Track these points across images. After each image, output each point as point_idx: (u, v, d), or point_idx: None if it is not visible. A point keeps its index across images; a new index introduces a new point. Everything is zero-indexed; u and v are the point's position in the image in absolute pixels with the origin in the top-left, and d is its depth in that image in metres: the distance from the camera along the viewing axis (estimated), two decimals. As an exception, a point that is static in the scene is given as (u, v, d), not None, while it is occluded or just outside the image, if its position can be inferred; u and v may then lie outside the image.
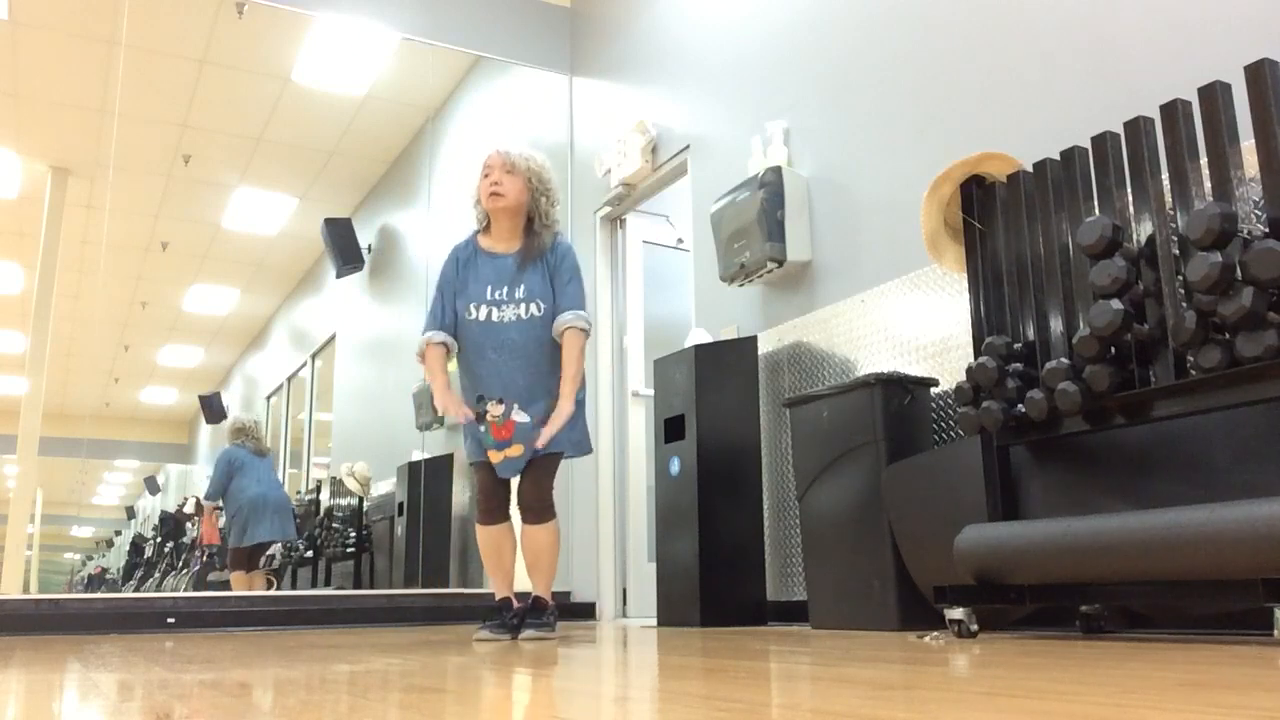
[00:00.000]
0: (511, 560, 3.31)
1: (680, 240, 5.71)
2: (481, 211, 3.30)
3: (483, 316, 3.18)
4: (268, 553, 5.73)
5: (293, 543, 5.86)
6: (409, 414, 5.86)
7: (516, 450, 3.15)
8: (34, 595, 4.33)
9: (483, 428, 3.18)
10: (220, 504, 5.55)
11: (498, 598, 3.26)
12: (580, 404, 3.23)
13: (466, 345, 3.22)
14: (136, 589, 5.82)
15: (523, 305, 3.17)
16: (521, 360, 3.16)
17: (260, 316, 6.37)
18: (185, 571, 5.72)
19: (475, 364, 3.20)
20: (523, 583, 3.45)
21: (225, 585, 5.46)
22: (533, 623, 3.15)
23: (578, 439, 3.24)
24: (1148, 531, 2.03)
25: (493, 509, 3.26)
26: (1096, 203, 2.45)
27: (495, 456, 3.17)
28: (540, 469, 3.22)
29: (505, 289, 3.19)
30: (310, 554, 5.91)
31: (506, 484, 3.29)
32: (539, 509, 3.21)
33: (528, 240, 3.24)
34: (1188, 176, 2.22)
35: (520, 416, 3.15)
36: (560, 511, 5.34)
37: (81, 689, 1.58)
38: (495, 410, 3.16)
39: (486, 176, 3.23)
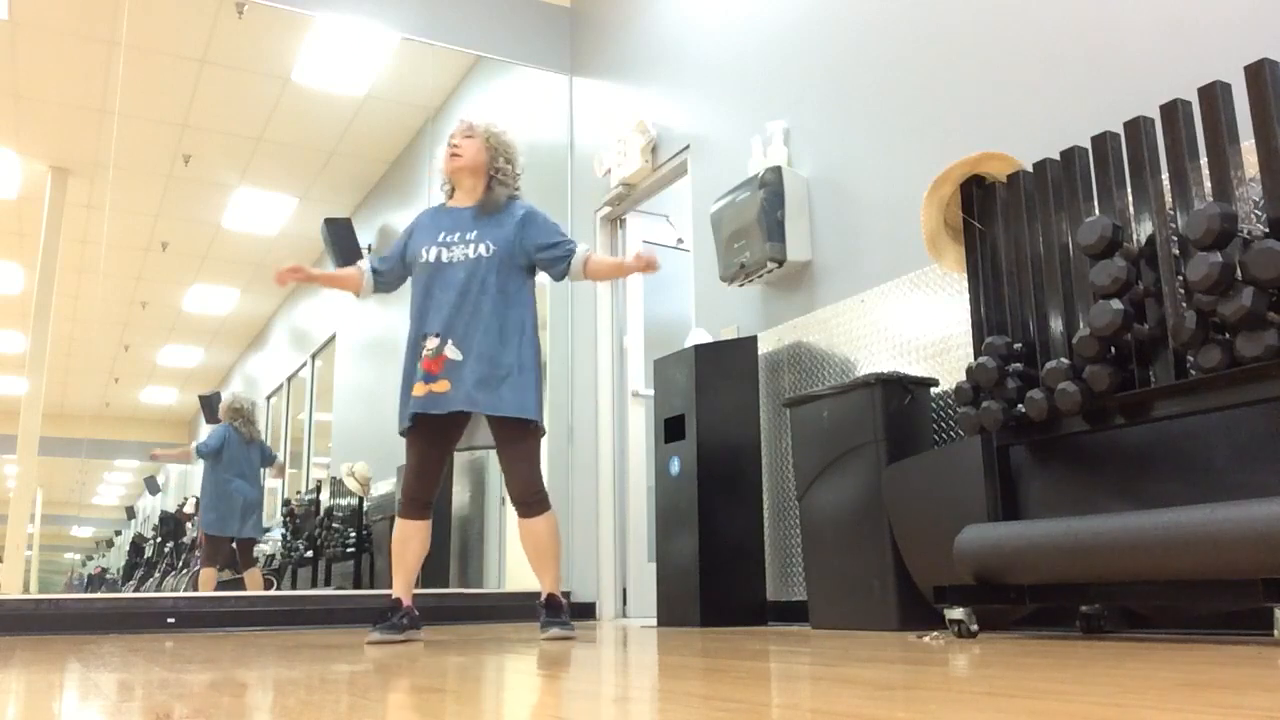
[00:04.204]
0: (417, 560, 3.21)
1: (680, 240, 5.71)
2: (446, 181, 3.42)
3: (431, 258, 3.24)
4: (265, 551, 5.73)
5: (274, 541, 5.86)
6: (409, 414, 5.85)
7: (443, 386, 3.10)
8: (34, 595, 4.33)
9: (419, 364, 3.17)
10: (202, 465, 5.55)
11: (392, 597, 3.15)
12: (534, 371, 3.19)
13: (416, 289, 3.27)
14: (136, 589, 5.82)
15: (471, 246, 3.22)
16: (461, 298, 3.17)
17: (260, 316, 6.37)
18: (185, 571, 5.72)
19: (421, 303, 3.23)
20: (524, 581, 3.43)
21: (225, 585, 5.46)
22: (553, 621, 3.08)
23: (524, 401, 3.13)
24: (1148, 531, 2.03)
25: (418, 501, 3.19)
26: (1096, 203, 2.45)
27: (420, 390, 3.12)
28: (512, 448, 3.14)
29: (458, 233, 3.27)
30: (310, 554, 5.91)
31: (438, 476, 3.22)
32: (532, 499, 3.15)
33: (486, 194, 3.32)
34: (1188, 176, 2.22)
35: (453, 353, 3.12)
36: (560, 512, 5.34)
37: (81, 689, 1.58)
38: (430, 344, 3.16)
39: (448, 145, 3.37)
